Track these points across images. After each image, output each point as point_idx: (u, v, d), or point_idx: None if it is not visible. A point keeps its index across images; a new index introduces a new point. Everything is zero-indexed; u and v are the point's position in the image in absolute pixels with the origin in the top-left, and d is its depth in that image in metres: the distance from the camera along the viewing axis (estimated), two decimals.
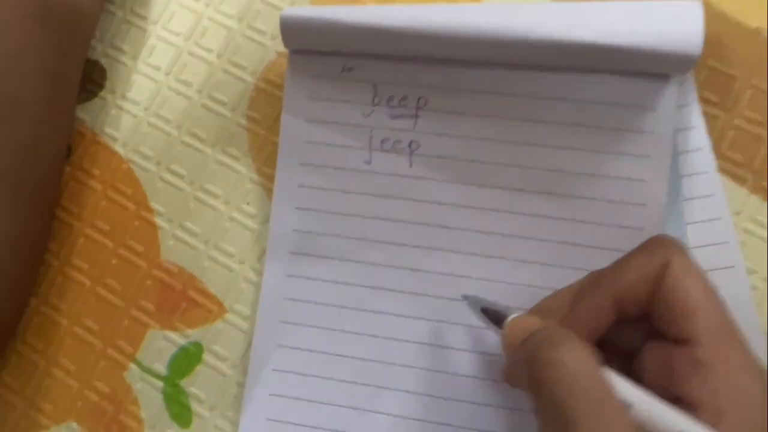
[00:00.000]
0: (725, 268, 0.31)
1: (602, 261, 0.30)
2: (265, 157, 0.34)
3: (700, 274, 0.24)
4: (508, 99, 0.32)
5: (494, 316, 0.28)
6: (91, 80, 0.36)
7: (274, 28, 0.35)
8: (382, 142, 0.33)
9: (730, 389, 0.21)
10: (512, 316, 0.27)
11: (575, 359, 0.22)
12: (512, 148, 0.32)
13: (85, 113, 0.36)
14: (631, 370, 0.25)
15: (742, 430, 0.21)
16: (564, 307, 0.26)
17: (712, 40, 0.32)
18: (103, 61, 0.36)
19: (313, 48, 0.33)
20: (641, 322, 0.25)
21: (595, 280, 0.26)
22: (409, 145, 0.32)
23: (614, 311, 0.25)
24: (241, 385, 0.33)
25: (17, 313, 0.34)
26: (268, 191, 0.34)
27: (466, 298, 0.29)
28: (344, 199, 0.33)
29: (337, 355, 0.32)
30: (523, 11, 0.30)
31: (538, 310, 0.28)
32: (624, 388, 0.23)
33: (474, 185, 0.32)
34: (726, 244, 0.31)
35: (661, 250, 0.24)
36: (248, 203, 0.34)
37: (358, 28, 0.30)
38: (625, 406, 0.22)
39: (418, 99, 0.32)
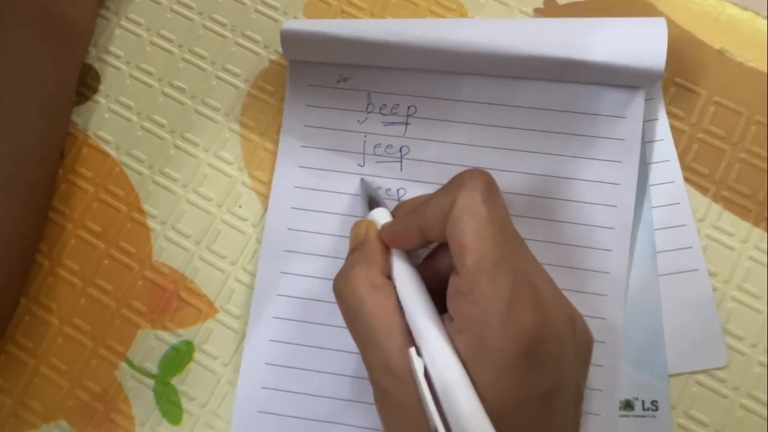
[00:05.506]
0: (690, 270, 0.33)
1: (576, 257, 0.32)
2: (257, 161, 0.35)
3: (478, 211, 0.25)
4: (492, 108, 0.34)
5: (372, 204, 0.31)
6: (85, 83, 0.37)
7: (267, 36, 0.37)
8: (375, 147, 0.34)
9: (476, 314, 0.24)
10: (372, 212, 0.30)
11: (359, 280, 0.27)
12: (494, 153, 0.34)
13: (77, 116, 0.36)
14: None
15: (476, 347, 0.24)
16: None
17: (679, 59, 0.34)
18: (97, 65, 0.37)
19: (312, 59, 0.34)
20: None
21: (414, 207, 0.28)
22: (400, 150, 0.34)
23: (421, 238, 0.27)
24: (232, 383, 0.33)
25: (9, 313, 0.34)
26: (260, 195, 0.35)
27: (362, 180, 0.33)
28: (338, 200, 0.34)
29: (327, 348, 0.33)
30: (505, 27, 0.32)
31: (400, 206, 0.31)
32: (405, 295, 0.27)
33: None
34: (690, 248, 0.33)
35: (454, 188, 0.26)
36: (240, 206, 0.35)
37: (354, 41, 0.32)
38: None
39: (408, 107, 0.34)
